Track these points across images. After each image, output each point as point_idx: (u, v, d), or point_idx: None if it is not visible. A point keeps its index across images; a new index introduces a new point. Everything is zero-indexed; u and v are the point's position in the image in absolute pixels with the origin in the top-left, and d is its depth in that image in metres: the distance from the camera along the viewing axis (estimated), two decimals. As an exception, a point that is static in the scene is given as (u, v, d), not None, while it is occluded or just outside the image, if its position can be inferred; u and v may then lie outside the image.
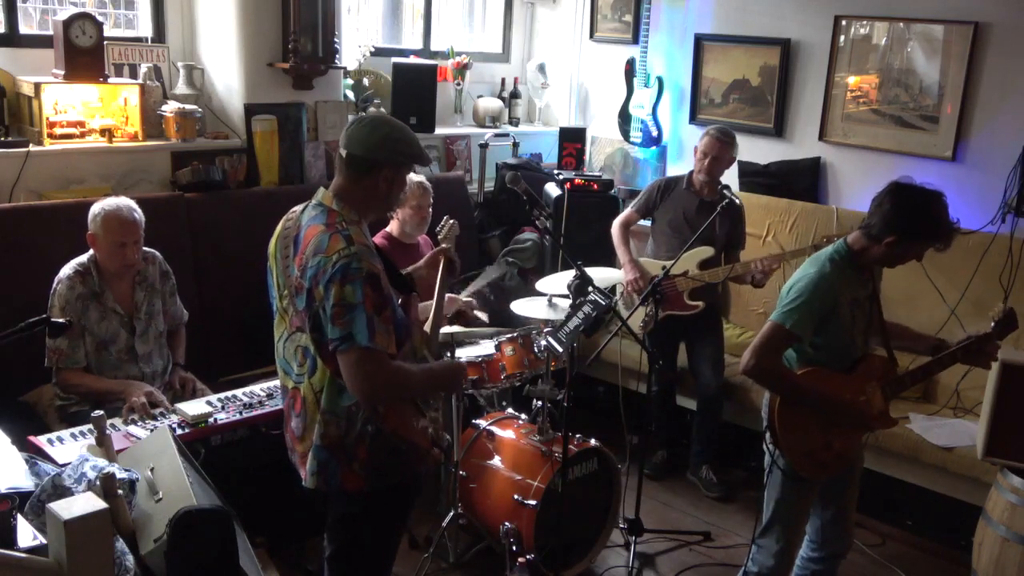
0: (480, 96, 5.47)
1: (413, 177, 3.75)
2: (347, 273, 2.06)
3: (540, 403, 3.46)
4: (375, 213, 2.32)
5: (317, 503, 2.39)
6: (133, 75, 3.97)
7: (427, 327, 2.59)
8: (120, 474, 2.19)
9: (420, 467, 2.38)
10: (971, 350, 2.73)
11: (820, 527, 2.89)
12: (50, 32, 3.67)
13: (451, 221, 2.98)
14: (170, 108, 3.88)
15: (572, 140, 5.39)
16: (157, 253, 3.30)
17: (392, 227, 3.84)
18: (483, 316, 3.93)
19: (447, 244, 2.85)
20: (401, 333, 2.24)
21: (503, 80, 5.63)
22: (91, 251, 3.11)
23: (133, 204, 3.13)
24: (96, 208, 3.07)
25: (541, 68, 5.66)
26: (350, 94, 4.67)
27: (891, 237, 2.54)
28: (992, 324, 2.74)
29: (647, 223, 4.44)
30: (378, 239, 3.74)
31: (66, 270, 3.08)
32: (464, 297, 4.06)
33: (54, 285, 3.07)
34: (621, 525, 3.63)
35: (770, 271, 3.87)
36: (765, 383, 2.72)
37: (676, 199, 4.23)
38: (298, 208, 2.34)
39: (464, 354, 3.52)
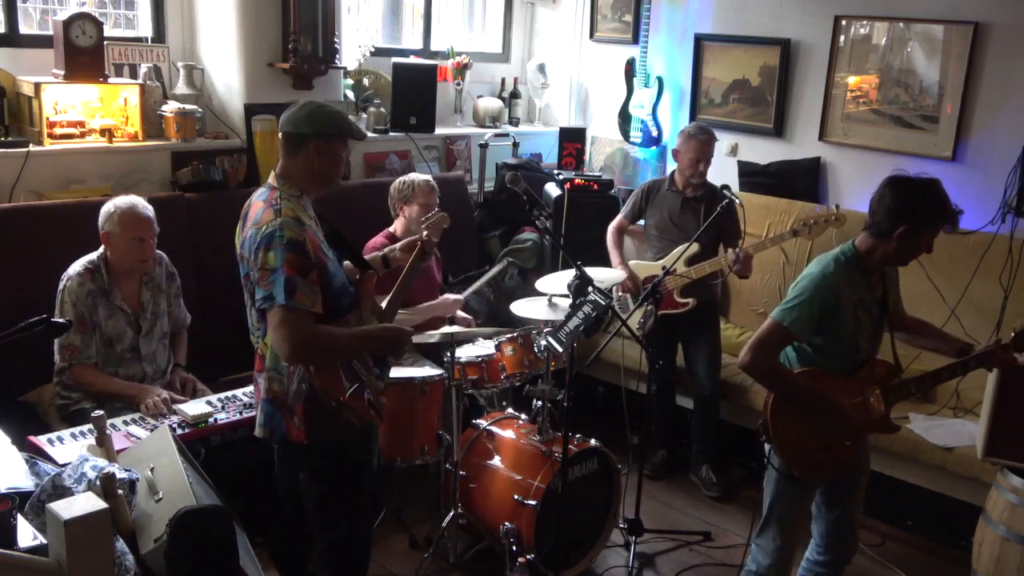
0: (480, 96, 5.47)
1: (420, 177, 3.81)
2: (271, 240, 2.30)
3: (540, 403, 3.46)
4: (318, 187, 2.49)
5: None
6: (133, 75, 3.97)
7: (384, 303, 2.65)
8: (120, 474, 2.19)
9: (355, 430, 2.48)
10: (987, 357, 2.73)
11: (825, 531, 2.86)
12: (50, 32, 3.67)
13: (441, 213, 2.97)
14: (170, 108, 3.88)
15: (572, 140, 5.38)
16: (163, 255, 3.31)
17: (396, 225, 3.83)
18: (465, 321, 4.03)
19: (429, 233, 2.86)
20: (343, 300, 2.46)
21: (503, 80, 5.62)
22: (100, 250, 3.12)
23: (146, 202, 3.16)
24: (109, 206, 3.09)
25: (541, 68, 5.65)
26: (350, 94, 4.67)
27: (902, 227, 2.53)
28: (1013, 334, 2.74)
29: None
30: (379, 238, 3.76)
31: (75, 267, 3.09)
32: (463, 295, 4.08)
33: (63, 282, 3.07)
34: (621, 525, 3.63)
35: (746, 261, 3.87)
36: (760, 379, 2.71)
37: (661, 201, 4.24)
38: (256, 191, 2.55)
39: (464, 354, 3.52)
